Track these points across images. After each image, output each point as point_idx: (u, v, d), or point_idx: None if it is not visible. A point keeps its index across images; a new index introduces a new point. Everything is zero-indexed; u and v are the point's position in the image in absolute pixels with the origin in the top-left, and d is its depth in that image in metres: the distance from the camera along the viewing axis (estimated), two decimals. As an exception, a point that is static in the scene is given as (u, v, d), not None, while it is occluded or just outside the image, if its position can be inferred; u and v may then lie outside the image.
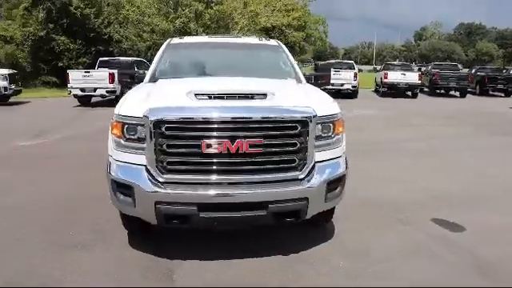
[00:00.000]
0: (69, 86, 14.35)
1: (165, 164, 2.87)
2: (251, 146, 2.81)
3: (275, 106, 2.93)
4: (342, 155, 3.22)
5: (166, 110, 2.87)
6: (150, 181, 2.89)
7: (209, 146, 2.79)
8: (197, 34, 21.60)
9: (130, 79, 4.54)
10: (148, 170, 2.91)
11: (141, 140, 2.90)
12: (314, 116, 2.90)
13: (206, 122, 2.80)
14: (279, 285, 2.84)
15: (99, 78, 14.03)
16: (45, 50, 28.72)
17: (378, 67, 27.96)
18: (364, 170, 5.26)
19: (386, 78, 18.73)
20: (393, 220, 4.03)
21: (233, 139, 2.78)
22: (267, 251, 3.27)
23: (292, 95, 3.39)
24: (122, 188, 3.00)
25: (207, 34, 22.16)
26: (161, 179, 2.89)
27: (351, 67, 18.93)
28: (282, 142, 2.88)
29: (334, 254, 3.28)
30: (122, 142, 3.00)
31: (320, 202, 3.03)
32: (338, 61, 22.77)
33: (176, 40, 4.96)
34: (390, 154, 6.77)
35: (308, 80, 4.42)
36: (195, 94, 3.00)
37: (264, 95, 3.05)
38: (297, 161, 2.92)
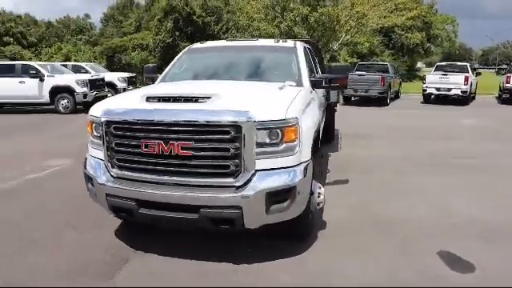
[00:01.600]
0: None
1: (114, 160, 3.05)
2: (183, 148, 2.78)
3: (207, 109, 2.82)
4: (297, 165, 2.92)
5: (115, 111, 3.05)
6: (104, 174, 3.11)
7: (146, 146, 2.87)
8: (301, 37, 21.70)
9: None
10: (105, 165, 3.13)
11: (101, 137, 3.12)
12: (250, 121, 2.71)
13: (142, 123, 2.89)
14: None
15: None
16: (171, 55, 32.15)
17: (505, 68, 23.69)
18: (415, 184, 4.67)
19: (507, 82, 15.94)
20: (390, 243, 3.48)
21: (166, 141, 2.81)
22: (225, 258, 3.15)
23: (244, 99, 3.19)
24: (88, 179, 3.29)
25: (311, 36, 22.08)
26: (112, 174, 3.07)
27: (464, 70, 16.67)
28: (214, 146, 2.77)
29: (286, 272, 3.00)
30: (91, 138, 3.29)
31: (260, 214, 2.80)
32: (450, 63, 20.21)
33: (196, 45, 5.14)
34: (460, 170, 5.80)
35: (317, 84, 4.12)
36: (147, 98, 3.10)
37: (208, 98, 2.97)
38: (231, 167, 2.77)
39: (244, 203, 2.74)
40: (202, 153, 2.78)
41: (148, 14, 39.77)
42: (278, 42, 4.69)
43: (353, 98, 16.11)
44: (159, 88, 3.97)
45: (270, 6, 22.29)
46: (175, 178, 2.87)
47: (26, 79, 13.37)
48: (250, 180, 2.77)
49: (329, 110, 6.67)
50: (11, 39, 44.25)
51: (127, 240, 3.55)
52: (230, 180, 2.79)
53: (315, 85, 4.10)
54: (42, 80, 13.34)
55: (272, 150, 2.81)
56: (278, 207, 2.84)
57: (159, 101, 3.03)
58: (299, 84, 3.93)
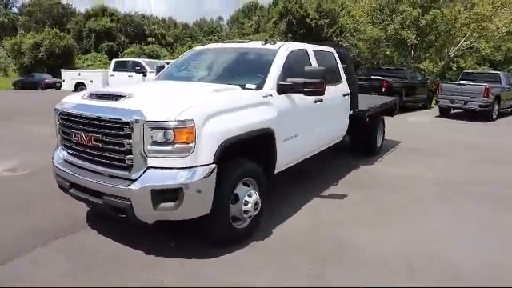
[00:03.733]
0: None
1: (62, 145, 3.58)
2: (95, 140, 3.13)
3: (112, 107, 3.07)
4: (191, 168, 2.93)
5: (65, 104, 3.54)
6: (57, 156, 3.66)
7: (75, 135, 3.31)
8: (406, 41, 20.19)
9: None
10: (59, 148, 3.68)
11: (59, 125, 3.67)
12: (141, 120, 2.88)
13: (72, 115, 3.33)
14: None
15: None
16: (283, 57, 32.98)
17: None
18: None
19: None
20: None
21: (85, 132, 3.19)
22: (177, 253, 3.31)
23: (151, 99, 3.34)
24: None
25: (422, 42, 20.36)
26: (61, 156, 3.60)
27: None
28: (114, 140, 3.02)
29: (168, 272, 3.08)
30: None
31: (148, 209, 2.94)
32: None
33: (199, 47, 5.40)
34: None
35: (285, 89, 3.98)
36: (90, 94, 3.51)
37: (122, 97, 3.23)
38: (127, 161, 2.99)
39: (132, 196, 2.93)
40: (107, 146, 3.07)
41: (267, 17, 41.43)
42: (264, 44, 4.64)
43: (453, 110, 14.40)
44: (122, 86, 4.38)
45: (377, 9, 21.20)
46: (90, 165, 3.24)
47: (133, 74, 15.45)
48: (141, 175, 2.96)
49: (358, 120, 6.26)
50: (153, 39, 50.74)
51: (87, 217, 4.00)
52: (125, 173, 3.02)
53: (284, 90, 3.98)
54: (144, 75, 15.26)
55: (164, 149, 2.92)
56: (166, 206, 2.94)
57: (92, 97, 3.41)
58: (260, 87, 3.88)
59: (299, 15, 32.23)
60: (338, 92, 5.37)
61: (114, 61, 18.37)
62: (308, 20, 32.13)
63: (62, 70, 22.47)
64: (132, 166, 2.98)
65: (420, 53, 21.66)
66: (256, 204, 3.47)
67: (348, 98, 5.66)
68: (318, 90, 3.96)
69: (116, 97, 3.26)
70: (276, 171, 4.04)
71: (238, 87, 3.80)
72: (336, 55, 5.64)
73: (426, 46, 21.24)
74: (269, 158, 3.83)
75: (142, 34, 53.12)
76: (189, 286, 2.89)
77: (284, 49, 4.39)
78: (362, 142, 6.95)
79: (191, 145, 2.94)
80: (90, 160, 3.25)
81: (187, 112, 2.96)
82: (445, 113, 14.14)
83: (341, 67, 5.68)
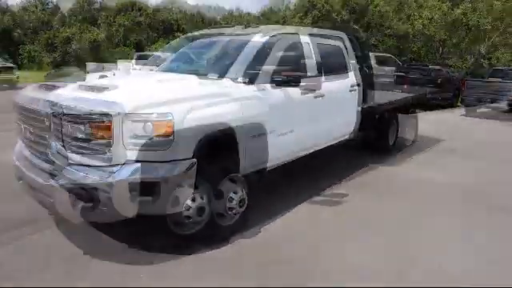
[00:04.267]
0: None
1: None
2: (78, 131, 3.08)
3: (94, 99, 3.03)
4: (170, 162, 2.85)
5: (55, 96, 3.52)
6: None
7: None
8: (434, 37, 19.45)
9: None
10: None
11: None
12: (120, 112, 2.82)
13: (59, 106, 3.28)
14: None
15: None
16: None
17: None
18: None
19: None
20: None
21: (70, 123, 3.15)
22: (156, 248, 3.27)
23: (134, 91, 3.27)
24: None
25: (448, 36, 19.59)
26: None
27: None
28: (95, 132, 2.97)
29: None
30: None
31: (126, 202, 2.89)
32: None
33: (188, 34, 5.31)
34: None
35: (254, 79, 3.71)
36: (79, 85, 3.49)
37: (105, 89, 3.18)
38: (107, 153, 2.96)
39: (111, 188, 2.88)
40: (88, 137, 3.02)
41: (293, 12, 40.93)
42: (246, 28, 4.43)
43: (479, 109, 13.74)
44: (115, 77, 4.34)
45: (404, 2, 20.51)
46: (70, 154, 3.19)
47: (154, 67, 15.61)
48: (120, 168, 2.91)
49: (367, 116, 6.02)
50: (180, 34, 51.28)
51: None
52: (106, 165, 2.98)
53: (277, 83, 3.81)
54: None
55: (143, 142, 2.87)
56: (144, 200, 2.89)
57: (80, 89, 3.39)
58: (252, 81, 3.72)
59: (325, 10, 31.61)
60: (343, 84, 5.12)
61: (135, 54, 18.63)
62: (334, 15, 31.45)
63: (86, 63, 22.99)
64: (112, 158, 2.93)
65: (449, 49, 20.82)
66: (242, 201, 3.37)
67: (357, 90, 5.39)
68: (293, 79, 3.76)
69: (101, 88, 3.22)
70: (269, 168, 3.91)
71: (225, 79, 3.68)
72: (346, 42, 5.37)
73: (455, 41, 20.39)
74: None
75: (170, 28, 53.71)
76: (189, 286, 2.85)
77: (262, 34, 4.19)
78: (373, 139, 6.70)
79: (170, 138, 2.86)
80: (74, 151, 3.22)
81: (167, 105, 2.89)
82: (470, 111, 13.52)
83: (351, 56, 5.41)
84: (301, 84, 3.82)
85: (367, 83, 5.59)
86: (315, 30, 5.08)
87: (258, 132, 3.59)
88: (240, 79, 3.67)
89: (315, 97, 4.39)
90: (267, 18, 46.60)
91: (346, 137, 5.63)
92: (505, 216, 4.32)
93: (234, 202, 3.31)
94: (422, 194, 4.93)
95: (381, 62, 16.47)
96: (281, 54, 3.96)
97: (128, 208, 2.94)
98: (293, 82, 3.77)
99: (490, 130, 10.44)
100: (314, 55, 4.62)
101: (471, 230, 3.91)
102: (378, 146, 6.73)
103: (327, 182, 5.15)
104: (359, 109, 5.62)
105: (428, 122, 11.33)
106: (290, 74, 3.70)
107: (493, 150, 7.75)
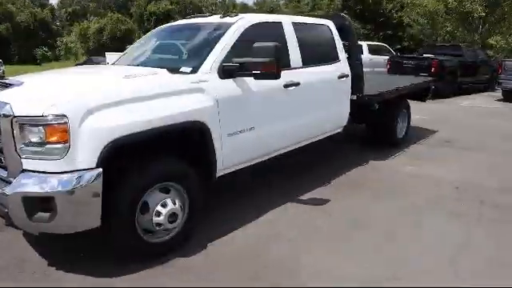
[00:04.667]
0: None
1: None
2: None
3: None
4: (67, 173, 2.37)
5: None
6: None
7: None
8: (471, 14, 17.81)
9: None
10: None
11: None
12: (7, 115, 2.36)
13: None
14: None
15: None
16: (337, 36, 31.18)
17: None
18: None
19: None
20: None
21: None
22: (84, 265, 2.87)
23: (34, 89, 2.78)
24: None
25: (488, 13, 17.87)
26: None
27: None
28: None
29: None
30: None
31: (24, 218, 2.44)
32: None
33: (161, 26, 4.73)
34: None
35: (230, 72, 3.22)
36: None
37: (9, 85, 2.73)
38: (3, 161, 2.53)
39: (7, 202, 2.46)
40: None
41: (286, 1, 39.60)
42: (222, 17, 3.84)
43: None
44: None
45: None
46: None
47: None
48: (15, 179, 2.46)
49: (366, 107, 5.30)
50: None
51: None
52: (4, 175, 2.55)
53: (230, 73, 3.24)
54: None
55: (36, 149, 2.39)
56: (41, 217, 2.43)
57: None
58: (195, 70, 3.17)
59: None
60: (329, 74, 4.47)
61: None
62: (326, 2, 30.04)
63: (106, 53, 23.12)
64: (7, 167, 2.50)
65: (489, 27, 19.02)
66: (173, 215, 2.84)
67: (347, 80, 4.72)
68: (267, 73, 3.16)
69: (7, 85, 2.78)
70: (220, 173, 3.35)
71: (163, 71, 3.14)
72: (333, 29, 4.70)
73: (496, 18, 18.58)
74: (204, 157, 3.14)
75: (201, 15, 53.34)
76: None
77: (240, 23, 3.60)
78: (377, 131, 5.95)
79: (65, 145, 2.37)
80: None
81: (60, 105, 2.38)
82: (509, 96, 12.18)
83: (339, 44, 4.74)
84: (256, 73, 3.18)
85: (357, 72, 4.85)
86: (300, 18, 4.43)
87: (238, 129, 3.18)
88: (215, 73, 3.20)
89: (286, 86, 3.75)
90: (261, 7, 45.38)
91: (338, 130, 4.95)
92: (490, 210, 3.54)
93: (162, 218, 2.79)
94: (415, 191, 4.19)
95: (374, 50, 15.39)
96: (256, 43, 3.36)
97: (28, 225, 2.52)
98: (274, 76, 3.21)
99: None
100: (297, 44, 4.04)
101: (456, 225, 3.19)
102: (383, 140, 5.97)
103: (318, 180, 4.52)
104: (354, 98, 4.93)
105: (453, 108, 10.28)
106: (270, 68, 3.10)
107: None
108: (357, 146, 6.19)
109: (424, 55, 13.75)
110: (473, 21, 18.74)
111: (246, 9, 62.61)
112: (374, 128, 5.91)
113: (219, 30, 3.56)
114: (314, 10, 40.73)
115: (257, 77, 3.21)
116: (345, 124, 4.94)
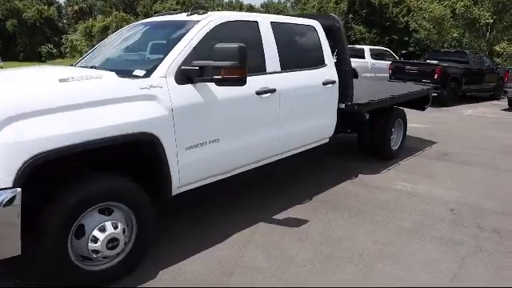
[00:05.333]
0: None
1: None
2: None
3: None
4: None
5: None
6: None
7: None
8: (479, 20, 17.31)
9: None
10: None
11: None
12: None
13: None
14: None
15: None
16: (342, 39, 30.67)
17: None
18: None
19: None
20: None
21: None
22: None
23: None
24: None
25: (496, 19, 17.36)
26: None
27: None
28: None
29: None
30: None
31: None
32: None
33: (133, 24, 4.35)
34: None
35: (190, 77, 2.84)
36: None
37: None
38: None
39: None
40: None
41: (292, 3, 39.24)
42: (190, 14, 3.46)
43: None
44: None
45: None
46: None
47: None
48: None
49: (356, 116, 4.91)
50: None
51: None
52: None
53: (188, 77, 2.85)
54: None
55: None
56: None
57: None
58: (148, 74, 2.79)
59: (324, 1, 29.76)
60: (312, 79, 4.07)
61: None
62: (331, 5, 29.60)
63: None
64: None
65: (497, 34, 18.50)
66: (112, 241, 2.46)
67: (333, 87, 4.32)
68: (230, 78, 2.77)
69: None
70: (178, 191, 2.96)
71: (111, 74, 2.77)
72: (319, 31, 4.30)
73: (504, 25, 18.06)
74: (156, 173, 2.76)
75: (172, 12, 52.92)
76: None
77: (207, 21, 3.21)
78: (369, 143, 5.54)
79: None
80: None
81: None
82: (515, 104, 11.71)
83: (325, 47, 4.34)
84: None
85: (346, 79, 4.45)
86: (280, 18, 4.03)
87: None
88: (171, 77, 2.81)
89: (259, 93, 3.36)
90: (268, 8, 45.10)
91: (324, 141, 4.55)
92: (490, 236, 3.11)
93: (99, 244, 2.41)
94: (404, 212, 3.77)
95: (376, 55, 14.92)
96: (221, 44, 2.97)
97: (6, 244, 2.15)
98: (240, 82, 2.80)
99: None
100: (275, 46, 3.65)
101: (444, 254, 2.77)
102: (376, 152, 5.56)
103: (297, 196, 4.14)
104: (342, 106, 4.53)
105: (456, 117, 9.81)
106: (234, 72, 2.71)
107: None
108: (348, 157, 5.77)
109: (428, 61, 13.31)
110: (480, 27, 18.24)
111: (251, 10, 62.35)
112: (366, 139, 5.49)
113: (182, 29, 3.17)
114: (319, 12, 40.33)
115: (219, 83, 2.82)
116: (331, 135, 4.53)
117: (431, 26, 19.89)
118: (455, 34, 18.77)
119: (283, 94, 3.61)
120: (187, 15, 3.45)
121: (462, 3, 17.23)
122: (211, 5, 57.80)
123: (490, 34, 18.42)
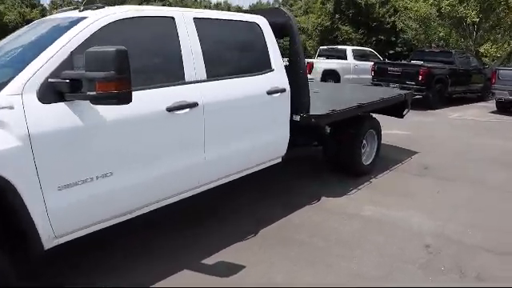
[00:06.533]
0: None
1: None
2: None
3: None
4: None
5: None
6: None
7: None
8: (465, 19, 16.76)
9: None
10: None
11: None
12: None
13: None
14: None
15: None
16: (329, 40, 30.14)
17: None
18: None
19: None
20: None
21: None
22: None
23: None
24: None
25: (482, 18, 16.82)
26: None
27: None
28: None
29: None
30: None
31: None
32: None
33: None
34: None
35: (56, 91, 2.08)
36: None
37: None
38: None
39: None
40: None
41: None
42: (82, 10, 2.68)
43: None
44: None
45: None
46: None
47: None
48: None
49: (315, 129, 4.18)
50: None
51: None
52: None
53: (57, 93, 2.09)
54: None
55: None
56: None
57: None
58: (5, 83, 2.03)
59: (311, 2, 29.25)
60: (253, 88, 3.32)
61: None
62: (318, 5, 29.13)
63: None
64: None
65: (484, 33, 17.95)
66: None
67: (282, 96, 3.56)
68: (105, 94, 1.99)
69: None
70: (53, 243, 2.18)
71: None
72: (264, 29, 3.54)
73: (491, 24, 17.52)
74: (12, 224, 1.99)
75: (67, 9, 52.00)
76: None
77: (95, 18, 2.43)
78: (336, 158, 4.80)
79: None
80: None
81: None
82: (503, 108, 11.06)
83: (272, 48, 3.58)
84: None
85: (300, 85, 3.70)
86: (209, 13, 3.23)
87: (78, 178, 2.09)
88: (33, 93, 2.05)
89: (171, 109, 2.59)
90: (290, 4, 44.49)
91: (275, 161, 3.79)
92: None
93: None
94: (369, 248, 3.03)
95: (359, 56, 14.29)
96: (151, 48, 2.23)
97: None
98: (120, 100, 2.01)
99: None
100: (199, 49, 2.88)
101: None
102: (345, 168, 4.83)
103: (240, 228, 3.40)
104: (297, 119, 3.78)
105: (440, 122, 9.12)
106: (111, 86, 1.95)
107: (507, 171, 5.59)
108: (311, 174, 5.03)
109: (412, 62, 12.66)
110: (467, 26, 17.68)
111: (239, 11, 61.63)
112: (333, 154, 4.75)
113: (62, 30, 2.39)
114: (306, 13, 39.73)
115: (94, 101, 2.05)
116: (283, 153, 3.78)
117: (417, 26, 19.28)
118: (442, 34, 18.17)
119: (209, 109, 2.85)
120: (79, 11, 2.67)
121: (448, 2, 16.64)
122: (197, 7, 57.03)
123: (476, 33, 17.86)
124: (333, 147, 4.66)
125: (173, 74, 2.74)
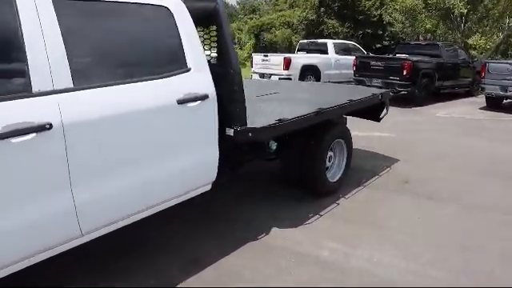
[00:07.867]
0: (251, 70, 13.42)
1: None
2: None
3: None
4: None
5: None
6: None
7: None
8: (452, 10, 15.96)
9: None
10: None
11: None
12: None
13: None
14: None
15: (275, 63, 12.28)
16: (315, 34, 29.24)
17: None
18: None
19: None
20: None
21: None
22: None
23: None
24: None
25: (470, 10, 16.04)
26: None
27: None
28: None
29: None
30: None
31: None
32: None
33: None
34: None
35: None
36: None
37: None
38: None
39: None
40: None
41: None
42: None
43: (506, 100, 10.50)
44: None
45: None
46: None
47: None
48: None
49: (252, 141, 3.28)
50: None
51: None
52: None
53: None
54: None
55: None
56: None
57: None
58: None
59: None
60: (153, 97, 2.38)
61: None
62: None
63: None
64: None
65: (472, 25, 17.18)
66: None
67: (205, 104, 2.64)
68: None
69: None
70: None
71: None
72: (178, 15, 2.60)
73: (479, 16, 16.74)
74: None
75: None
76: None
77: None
78: (294, 177, 3.92)
79: None
80: None
81: None
82: (493, 103, 10.27)
83: (189, 41, 2.64)
84: None
85: (232, 89, 2.79)
86: None
87: None
88: None
89: (2, 138, 1.67)
90: (244, 6, 43.65)
91: (202, 189, 2.88)
92: None
93: None
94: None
95: (342, 50, 13.43)
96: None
97: None
98: None
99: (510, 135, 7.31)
100: (61, 43, 1.96)
101: None
102: (306, 186, 3.95)
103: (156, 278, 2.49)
104: (230, 133, 2.86)
105: (426, 120, 8.28)
106: None
107: (503, 182, 4.76)
108: (265, 192, 4.14)
109: (397, 55, 11.83)
110: (454, 18, 16.89)
111: (227, 7, 60.39)
112: (291, 170, 3.87)
113: None
114: (292, 7, 38.75)
115: None
116: (212, 179, 2.87)
117: (404, 18, 18.44)
118: (428, 25, 17.35)
119: (73, 131, 1.93)
120: None
121: (436, -6, 15.81)
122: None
123: (464, 25, 17.09)
124: (292, 162, 3.77)
125: (9, 81, 1.82)
